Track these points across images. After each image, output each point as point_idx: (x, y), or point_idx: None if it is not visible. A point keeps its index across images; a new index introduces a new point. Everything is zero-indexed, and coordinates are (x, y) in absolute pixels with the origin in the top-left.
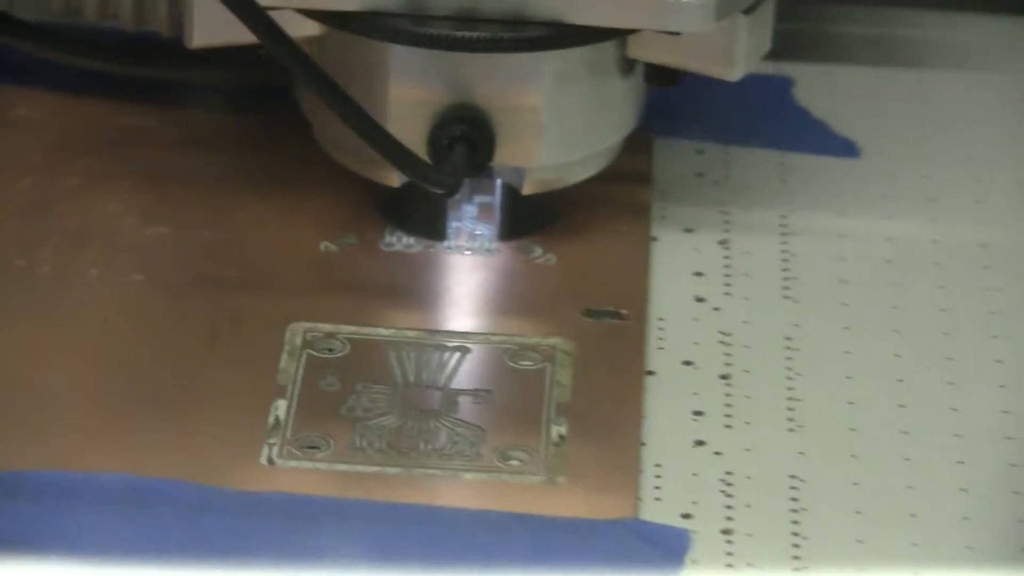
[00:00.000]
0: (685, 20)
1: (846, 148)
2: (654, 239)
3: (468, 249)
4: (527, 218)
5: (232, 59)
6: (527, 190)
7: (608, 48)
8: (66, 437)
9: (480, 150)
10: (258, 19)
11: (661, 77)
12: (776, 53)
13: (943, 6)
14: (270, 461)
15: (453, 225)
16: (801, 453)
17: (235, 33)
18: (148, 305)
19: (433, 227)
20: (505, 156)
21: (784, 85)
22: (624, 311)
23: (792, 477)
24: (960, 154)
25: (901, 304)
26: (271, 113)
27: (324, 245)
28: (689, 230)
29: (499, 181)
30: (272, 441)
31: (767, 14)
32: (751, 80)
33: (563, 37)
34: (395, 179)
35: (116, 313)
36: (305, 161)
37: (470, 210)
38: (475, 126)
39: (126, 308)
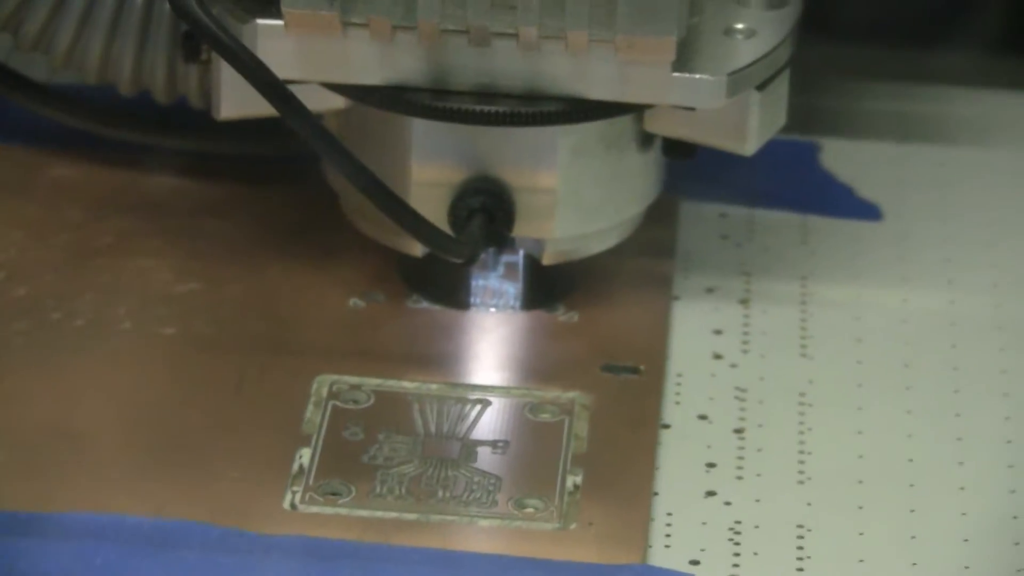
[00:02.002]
0: (698, 96)
1: (869, 211)
2: (676, 298)
3: (493, 307)
4: (549, 286)
5: (263, 131)
6: (547, 260)
7: (625, 122)
8: (96, 480)
9: (499, 221)
10: (279, 95)
11: (678, 150)
12: (803, 127)
13: (962, 83)
14: (292, 506)
15: (479, 283)
16: (808, 504)
17: (261, 106)
18: (179, 357)
19: (454, 296)
20: (523, 228)
21: (811, 150)
22: (641, 367)
23: (799, 527)
24: (976, 220)
25: (913, 362)
26: (301, 180)
27: (352, 301)
28: (710, 290)
29: (522, 250)
30: (295, 488)
31: (781, 90)
32: (779, 145)
33: (579, 112)
34: (417, 249)
35: (148, 364)
36: (336, 222)
37: (496, 269)
38: (494, 198)
39: (157, 360)
